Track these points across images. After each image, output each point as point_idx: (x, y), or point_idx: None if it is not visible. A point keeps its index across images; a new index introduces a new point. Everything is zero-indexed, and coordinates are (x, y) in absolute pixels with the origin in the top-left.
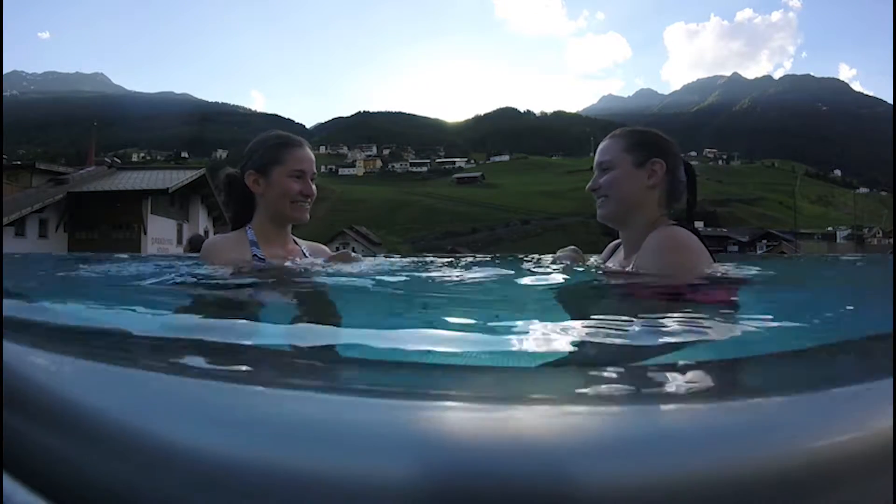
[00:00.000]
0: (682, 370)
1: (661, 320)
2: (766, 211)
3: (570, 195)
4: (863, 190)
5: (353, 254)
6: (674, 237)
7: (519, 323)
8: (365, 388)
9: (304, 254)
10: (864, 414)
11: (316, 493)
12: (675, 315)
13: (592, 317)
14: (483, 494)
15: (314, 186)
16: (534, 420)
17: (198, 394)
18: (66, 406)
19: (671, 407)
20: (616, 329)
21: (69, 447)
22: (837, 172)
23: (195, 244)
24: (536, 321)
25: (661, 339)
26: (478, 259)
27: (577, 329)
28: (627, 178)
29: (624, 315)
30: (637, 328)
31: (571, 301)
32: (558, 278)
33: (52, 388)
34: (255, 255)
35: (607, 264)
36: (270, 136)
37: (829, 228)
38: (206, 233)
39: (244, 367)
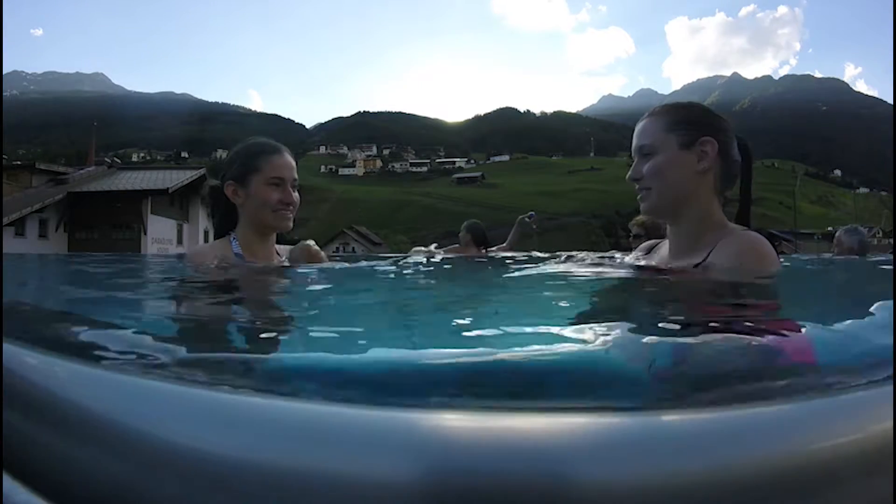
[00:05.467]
0: (684, 374)
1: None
2: (766, 211)
3: (570, 195)
4: (863, 190)
5: (313, 246)
6: (758, 246)
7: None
8: (364, 390)
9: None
10: (864, 415)
11: (316, 494)
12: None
13: (602, 318)
14: (483, 497)
15: (296, 194)
16: (534, 424)
17: (197, 394)
18: (66, 406)
19: (671, 410)
20: (621, 333)
21: (69, 447)
22: (837, 172)
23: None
24: (536, 322)
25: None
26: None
27: (583, 330)
28: (674, 164)
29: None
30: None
31: (599, 299)
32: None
33: (52, 389)
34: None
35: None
36: (248, 145)
37: (829, 228)
38: (207, 233)
39: (244, 369)
